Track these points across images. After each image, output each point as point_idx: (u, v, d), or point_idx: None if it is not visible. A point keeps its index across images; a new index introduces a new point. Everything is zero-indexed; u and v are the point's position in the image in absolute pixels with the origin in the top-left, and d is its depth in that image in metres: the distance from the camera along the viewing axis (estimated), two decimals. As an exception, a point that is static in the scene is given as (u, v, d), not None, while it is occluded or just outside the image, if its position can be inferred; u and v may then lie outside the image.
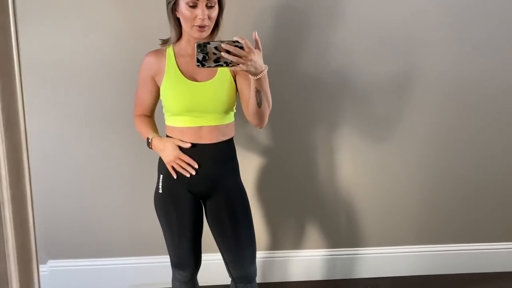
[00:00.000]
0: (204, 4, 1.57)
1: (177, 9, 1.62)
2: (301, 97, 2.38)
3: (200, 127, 1.67)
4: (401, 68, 2.39)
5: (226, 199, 1.76)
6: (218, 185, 1.74)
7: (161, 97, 1.73)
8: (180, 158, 1.67)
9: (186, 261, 1.79)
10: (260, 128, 1.75)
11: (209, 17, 1.59)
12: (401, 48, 2.37)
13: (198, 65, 1.46)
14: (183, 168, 1.68)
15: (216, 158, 1.72)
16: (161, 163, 1.76)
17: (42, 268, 2.46)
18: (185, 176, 1.69)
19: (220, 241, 1.81)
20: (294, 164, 2.48)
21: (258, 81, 1.52)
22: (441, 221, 2.63)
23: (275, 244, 2.59)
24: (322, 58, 2.34)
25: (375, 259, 2.64)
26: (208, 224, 1.82)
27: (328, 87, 2.38)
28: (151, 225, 2.49)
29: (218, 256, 1.87)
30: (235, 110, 1.78)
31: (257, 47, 1.49)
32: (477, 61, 2.41)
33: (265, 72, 1.52)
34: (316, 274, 2.63)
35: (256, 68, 1.47)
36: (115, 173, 2.41)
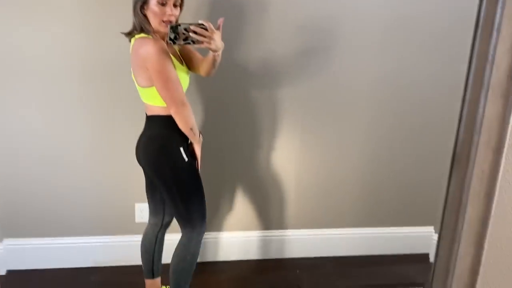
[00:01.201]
0: (172, 3, 1.86)
1: (145, 7, 1.86)
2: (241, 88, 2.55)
3: None
4: (346, 66, 2.58)
5: None
6: None
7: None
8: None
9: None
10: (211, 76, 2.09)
11: (174, 15, 1.88)
12: (345, 48, 2.55)
13: (170, 43, 1.81)
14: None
15: None
16: (172, 139, 1.94)
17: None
18: (187, 144, 1.99)
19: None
20: (236, 146, 2.66)
21: (218, 55, 1.90)
22: (371, 206, 2.89)
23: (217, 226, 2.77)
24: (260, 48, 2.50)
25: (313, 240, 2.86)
26: None
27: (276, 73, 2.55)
28: (108, 207, 2.61)
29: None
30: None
31: (218, 29, 1.83)
32: (416, 61, 2.62)
33: (222, 49, 1.89)
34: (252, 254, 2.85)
35: (216, 46, 1.83)
36: (73, 153, 2.51)
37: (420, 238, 2.94)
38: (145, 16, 1.87)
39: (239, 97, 2.55)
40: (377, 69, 2.61)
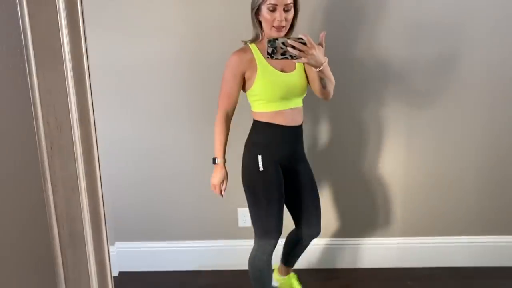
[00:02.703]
0: (282, 8, 1.82)
1: (259, 13, 1.87)
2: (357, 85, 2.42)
3: (292, 109, 1.95)
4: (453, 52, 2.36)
5: (305, 169, 2.08)
6: (298, 158, 2.07)
7: (252, 88, 1.93)
8: (217, 186, 2.03)
9: (277, 228, 2.01)
10: (327, 101, 2.03)
11: (286, 19, 1.84)
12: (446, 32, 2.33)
13: (268, 57, 1.74)
14: (215, 191, 2.04)
15: (299, 136, 2.04)
16: (256, 145, 1.99)
17: (110, 248, 2.67)
18: (278, 154, 1.98)
19: (298, 203, 2.08)
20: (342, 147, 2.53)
21: (320, 71, 1.78)
22: (495, 211, 2.58)
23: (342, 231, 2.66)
24: (370, 46, 2.36)
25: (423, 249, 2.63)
26: (287, 191, 2.05)
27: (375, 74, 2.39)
28: (212, 211, 2.64)
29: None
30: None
31: (320, 44, 1.74)
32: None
33: (325, 64, 1.77)
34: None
35: (316, 61, 1.73)
36: (178, 164, 2.58)
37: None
38: (260, 23, 1.91)
39: (347, 96, 2.43)
40: (491, 62, 2.35)
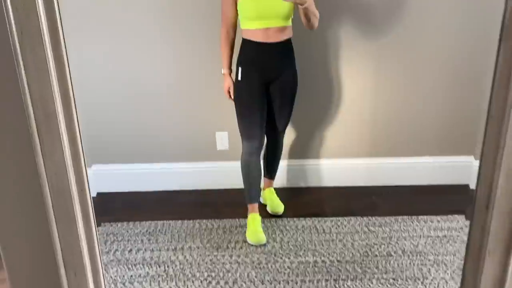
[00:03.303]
0: None
1: None
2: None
3: (267, 28, 2.15)
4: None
5: (286, 82, 2.31)
6: (281, 72, 2.28)
7: (238, 6, 2.15)
8: (226, 93, 2.34)
9: (258, 132, 2.32)
10: (312, 30, 2.22)
11: None
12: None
13: None
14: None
15: (279, 52, 2.23)
16: (238, 59, 2.25)
17: (88, 170, 2.81)
18: (256, 67, 2.22)
19: (277, 110, 2.38)
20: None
21: (305, 8, 2.06)
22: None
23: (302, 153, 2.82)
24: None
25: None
26: (270, 101, 2.33)
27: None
28: (190, 135, 2.76)
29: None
30: (292, 16, 2.21)
31: None
32: None
33: (310, 1, 2.06)
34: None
35: (301, 0, 2.02)
36: (156, 86, 2.67)
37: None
38: None
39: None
40: None
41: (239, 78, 2.24)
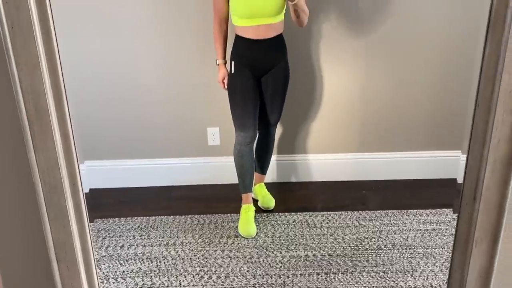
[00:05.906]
0: None
1: None
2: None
3: (258, 25, 2.19)
4: None
5: (278, 74, 2.34)
6: (273, 66, 2.31)
7: (230, 4, 2.19)
8: (220, 83, 2.36)
9: (250, 122, 2.34)
10: (302, 27, 2.26)
11: None
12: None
13: None
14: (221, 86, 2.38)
15: (271, 48, 2.27)
16: (231, 53, 2.29)
17: (80, 166, 2.81)
18: (248, 61, 2.27)
19: (269, 102, 2.39)
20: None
21: (295, 4, 2.08)
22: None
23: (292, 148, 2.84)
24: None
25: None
26: (262, 94, 2.36)
27: None
28: (182, 130, 2.76)
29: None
30: (284, 11, 2.23)
31: None
32: None
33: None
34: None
35: None
36: (148, 82, 2.66)
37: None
38: None
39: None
40: None
41: (232, 71, 2.30)
